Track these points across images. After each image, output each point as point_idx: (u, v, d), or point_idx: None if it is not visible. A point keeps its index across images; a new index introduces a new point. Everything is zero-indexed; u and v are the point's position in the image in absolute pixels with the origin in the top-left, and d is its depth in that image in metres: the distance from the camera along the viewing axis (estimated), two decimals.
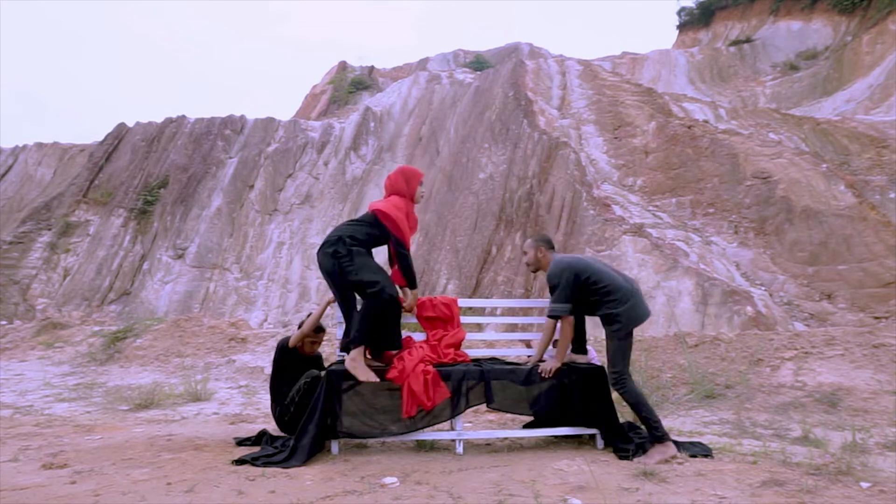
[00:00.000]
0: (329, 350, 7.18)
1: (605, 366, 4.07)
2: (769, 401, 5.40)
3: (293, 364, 4.53)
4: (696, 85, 20.32)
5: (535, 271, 4.40)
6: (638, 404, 3.90)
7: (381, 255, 4.13)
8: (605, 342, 4.12)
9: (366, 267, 3.98)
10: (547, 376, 4.09)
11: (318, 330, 4.58)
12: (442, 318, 4.48)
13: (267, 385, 7.66)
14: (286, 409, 4.50)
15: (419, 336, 4.50)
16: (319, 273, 13.49)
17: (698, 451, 3.95)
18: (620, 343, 3.99)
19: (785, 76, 19.26)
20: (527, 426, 5.08)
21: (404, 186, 4.31)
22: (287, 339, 4.57)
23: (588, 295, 4.04)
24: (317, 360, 4.70)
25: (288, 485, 3.44)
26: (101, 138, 17.20)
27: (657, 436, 3.84)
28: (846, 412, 4.99)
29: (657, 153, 11.18)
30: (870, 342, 6.14)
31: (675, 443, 3.92)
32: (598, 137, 12.34)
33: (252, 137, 16.19)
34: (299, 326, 4.58)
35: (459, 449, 4.14)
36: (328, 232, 14.28)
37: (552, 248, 4.37)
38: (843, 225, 8.37)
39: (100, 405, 6.29)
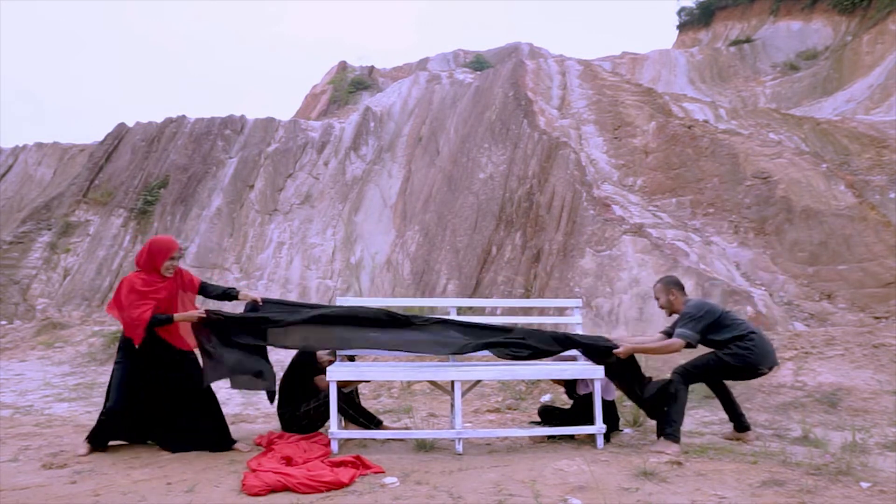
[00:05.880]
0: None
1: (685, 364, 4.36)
2: (769, 401, 5.40)
3: (309, 372, 4.68)
4: (696, 85, 20.30)
5: (669, 314, 4.60)
6: (673, 399, 4.19)
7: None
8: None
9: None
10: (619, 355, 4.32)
11: (333, 354, 4.74)
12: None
13: None
14: (296, 419, 4.58)
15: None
16: (319, 273, 13.46)
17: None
18: (718, 364, 4.30)
19: (785, 76, 19.25)
20: (530, 424, 5.08)
21: (147, 261, 4.25)
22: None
23: (718, 331, 4.30)
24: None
25: None
26: (101, 138, 17.16)
27: (668, 431, 4.11)
28: (846, 412, 4.99)
29: (657, 153, 11.17)
30: (870, 342, 6.14)
31: None
32: (598, 137, 12.34)
33: (252, 137, 16.19)
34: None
35: (459, 448, 4.14)
36: (328, 232, 14.25)
37: (682, 289, 4.59)
38: (843, 225, 8.37)
39: (100, 405, 6.28)
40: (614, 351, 4.31)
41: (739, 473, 3.51)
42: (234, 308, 4.79)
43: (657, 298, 4.56)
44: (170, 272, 4.29)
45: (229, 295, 4.62)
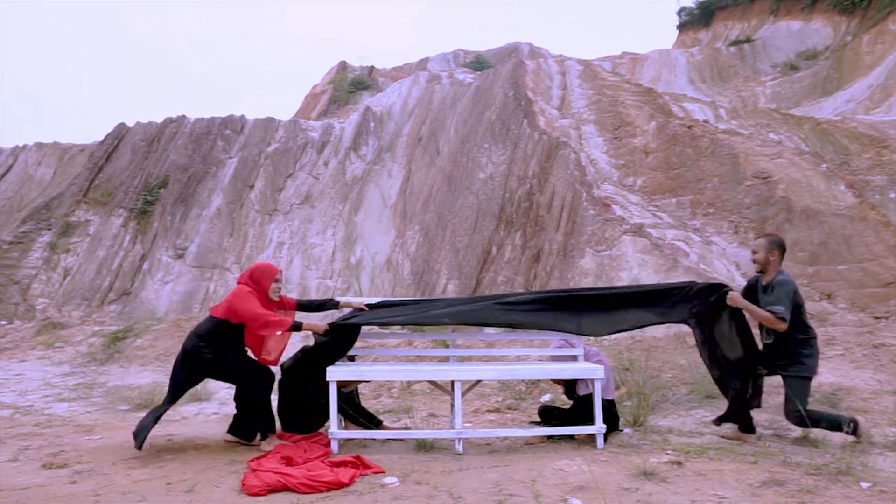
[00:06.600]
0: None
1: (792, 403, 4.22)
2: (769, 401, 5.39)
3: (308, 371, 4.66)
4: (696, 85, 20.30)
5: (760, 272, 4.53)
6: (820, 420, 4.17)
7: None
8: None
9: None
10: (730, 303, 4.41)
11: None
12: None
13: None
14: (296, 419, 4.61)
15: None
16: (319, 273, 13.48)
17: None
18: (805, 383, 4.28)
19: (785, 76, 19.25)
20: (530, 424, 5.08)
21: (254, 284, 4.40)
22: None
23: (797, 323, 4.27)
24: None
25: None
26: (101, 138, 17.15)
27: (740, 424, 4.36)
28: (846, 412, 4.98)
29: (657, 153, 11.17)
30: (870, 342, 6.14)
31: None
32: (598, 137, 12.34)
33: (252, 137, 16.19)
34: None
35: (459, 448, 4.14)
36: (328, 232, 14.28)
37: (784, 252, 4.52)
38: (843, 225, 8.36)
39: (100, 405, 6.29)
40: (729, 293, 4.41)
41: (739, 473, 3.51)
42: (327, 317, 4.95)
43: (755, 252, 4.50)
44: (276, 295, 4.45)
45: (326, 306, 4.71)
